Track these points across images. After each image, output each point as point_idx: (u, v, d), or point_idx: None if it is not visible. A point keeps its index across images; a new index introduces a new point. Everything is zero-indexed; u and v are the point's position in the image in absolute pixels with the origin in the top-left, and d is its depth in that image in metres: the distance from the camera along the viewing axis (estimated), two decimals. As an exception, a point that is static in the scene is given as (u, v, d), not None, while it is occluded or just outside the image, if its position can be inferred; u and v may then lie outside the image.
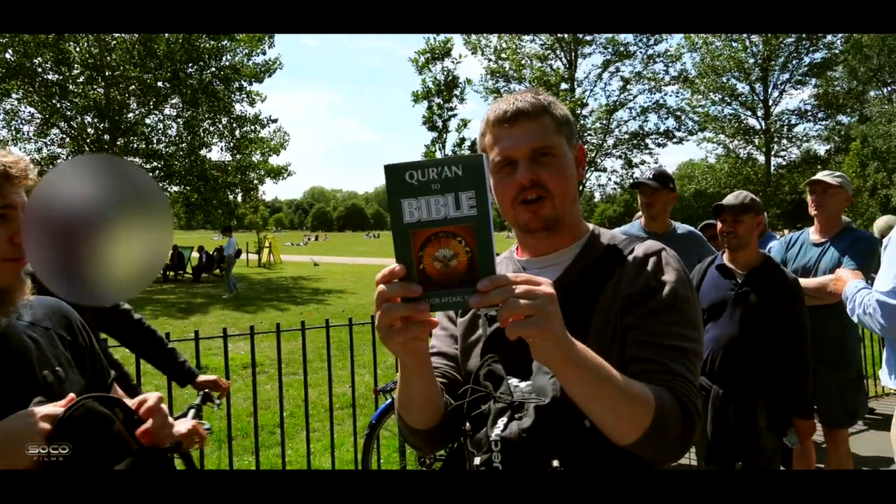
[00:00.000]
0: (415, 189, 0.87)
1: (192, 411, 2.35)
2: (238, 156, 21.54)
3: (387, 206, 0.88)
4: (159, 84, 19.69)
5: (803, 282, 2.82)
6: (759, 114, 28.21)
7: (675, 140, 26.98)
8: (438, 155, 15.11)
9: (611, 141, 27.02)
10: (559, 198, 1.18)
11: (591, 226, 1.31)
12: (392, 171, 0.87)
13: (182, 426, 2.24)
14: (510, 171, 1.18)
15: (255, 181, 21.73)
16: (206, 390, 2.62)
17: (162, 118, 20.88)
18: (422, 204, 0.87)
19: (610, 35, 24.69)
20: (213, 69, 19.89)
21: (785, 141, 28.39)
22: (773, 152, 28.39)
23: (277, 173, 21.97)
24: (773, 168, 28.34)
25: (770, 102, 27.91)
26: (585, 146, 1.93)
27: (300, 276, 20.63)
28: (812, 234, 3.16)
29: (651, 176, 3.33)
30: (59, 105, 18.64)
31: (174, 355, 2.71)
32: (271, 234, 30.41)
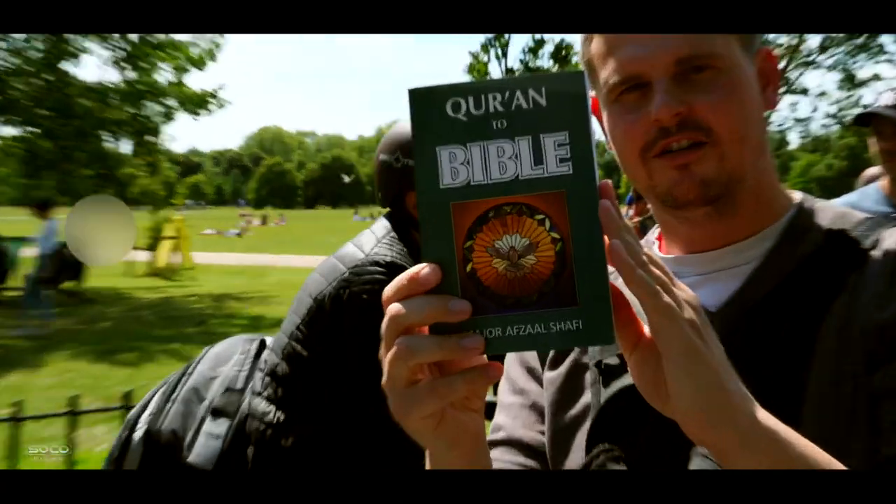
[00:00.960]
0: (463, 129, 0.82)
1: None
2: (131, 73, 19.41)
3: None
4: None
5: None
6: None
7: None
8: (496, 72, 12.10)
9: (814, 40, 23.34)
10: (731, 144, 1.08)
11: (797, 196, 1.20)
12: (423, 99, 0.82)
13: None
14: (638, 100, 1.09)
15: (160, 118, 19.95)
16: None
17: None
18: (473, 155, 0.81)
19: None
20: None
21: None
22: None
23: (200, 103, 19.72)
24: None
25: None
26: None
27: (227, 294, 18.77)
28: None
29: (895, 102, 3.25)
30: None
31: None
32: (177, 214, 27.58)
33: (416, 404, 0.80)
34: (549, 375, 1.22)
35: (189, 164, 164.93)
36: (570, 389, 1.18)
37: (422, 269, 0.79)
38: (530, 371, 1.25)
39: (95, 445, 6.72)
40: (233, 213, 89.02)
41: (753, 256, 1.13)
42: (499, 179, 0.80)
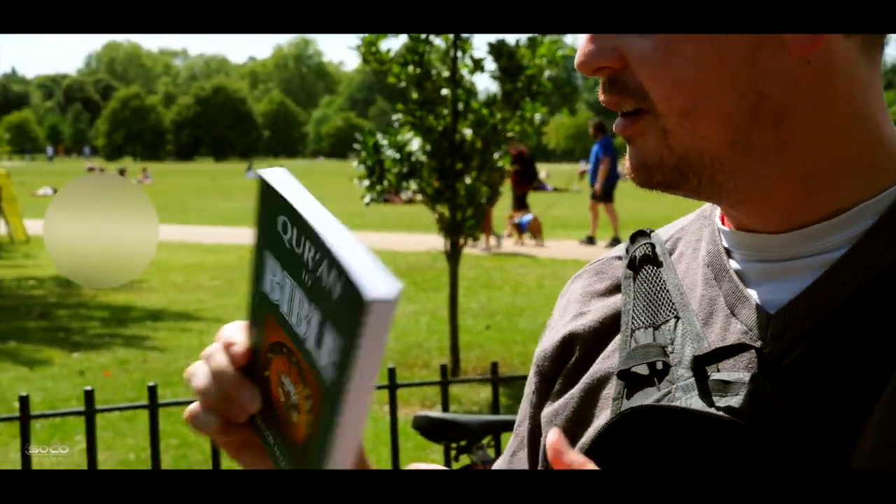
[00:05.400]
0: (286, 253, 1.03)
1: None
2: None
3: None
4: None
5: None
6: None
7: None
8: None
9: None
10: (671, 118, 1.16)
11: None
12: (266, 194, 1.06)
13: None
14: None
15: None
16: None
17: None
18: (287, 285, 1.04)
19: None
20: None
21: None
22: None
23: None
24: None
25: None
26: None
27: None
28: None
29: None
30: None
31: None
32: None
33: (198, 427, 1.16)
34: (552, 408, 1.35)
35: (8, 96, 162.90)
36: (581, 416, 1.30)
37: (233, 343, 1.14)
38: (532, 407, 1.42)
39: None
40: (78, 167, 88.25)
41: (838, 244, 1.15)
42: (294, 326, 1.04)
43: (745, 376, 1.10)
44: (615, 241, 21.66)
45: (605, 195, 22.70)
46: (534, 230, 23.04)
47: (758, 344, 1.14)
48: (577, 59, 1.19)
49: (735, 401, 1.08)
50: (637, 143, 1.19)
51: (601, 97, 1.21)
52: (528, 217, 22.88)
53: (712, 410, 1.08)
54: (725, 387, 1.11)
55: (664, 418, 1.12)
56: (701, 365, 1.13)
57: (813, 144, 1.16)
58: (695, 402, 1.10)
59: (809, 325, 1.12)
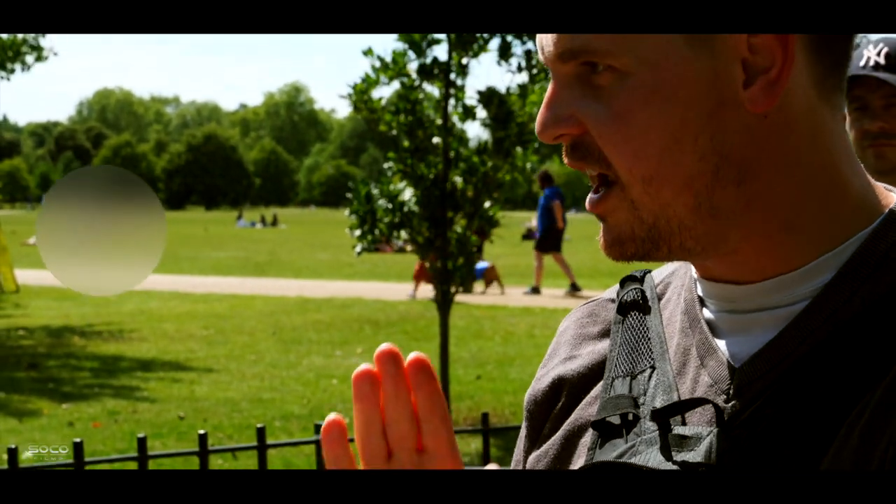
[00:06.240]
0: None
1: None
2: None
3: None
4: None
5: None
6: None
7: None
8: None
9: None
10: (636, 187, 1.15)
11: (892, 199, 1.21)
12: None
13: None
14: None
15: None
16: None
17: None
18: None
19: None
20: None
21: None
22: None
23: (10, 54, 21.73)
24: None
25: None
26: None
27: (67, 327, 19.69)
28: None
29: (881, 58, 3.48)
30: None
31: None
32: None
33: None
34: (537, 453, 1.36)
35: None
36: (560, 462, 1.31)
37: None
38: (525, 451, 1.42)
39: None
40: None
41: (801, 296, 1.16)
42: None
43: (704, 431, 1.12)
44: (574, 288, 22.46)
45: (550, 245, 22.95)
46: (490, 278, 23.13)
47: (721, 398, 1.15)
48: (536, 128, 1.18)
49: (691, 456, 1.11)
50: (609, 221, 1.19)
51: (564, 160, 1.21)
52: (482, 265, 22.80)
53: (667, 466, 1.11)
54: (683, 441, 1.12)
55: (627, 472, 1.14)
56: (662, 418, 1.15)
57: (778, 199, 1.16)
58: (653, 458, 1.13)
59: (770, 380, 1.13)
